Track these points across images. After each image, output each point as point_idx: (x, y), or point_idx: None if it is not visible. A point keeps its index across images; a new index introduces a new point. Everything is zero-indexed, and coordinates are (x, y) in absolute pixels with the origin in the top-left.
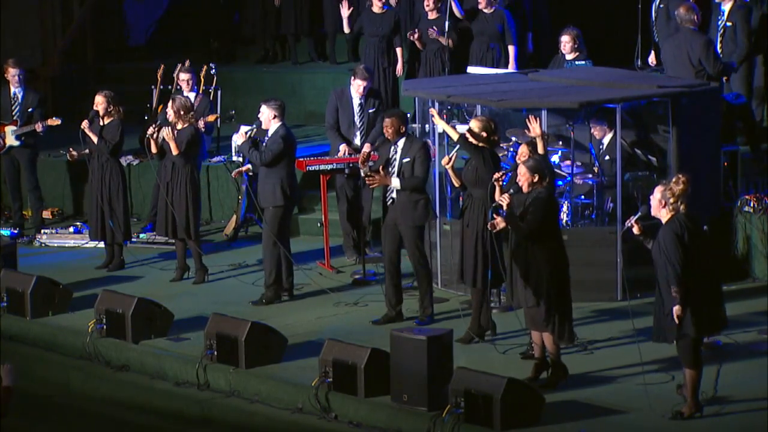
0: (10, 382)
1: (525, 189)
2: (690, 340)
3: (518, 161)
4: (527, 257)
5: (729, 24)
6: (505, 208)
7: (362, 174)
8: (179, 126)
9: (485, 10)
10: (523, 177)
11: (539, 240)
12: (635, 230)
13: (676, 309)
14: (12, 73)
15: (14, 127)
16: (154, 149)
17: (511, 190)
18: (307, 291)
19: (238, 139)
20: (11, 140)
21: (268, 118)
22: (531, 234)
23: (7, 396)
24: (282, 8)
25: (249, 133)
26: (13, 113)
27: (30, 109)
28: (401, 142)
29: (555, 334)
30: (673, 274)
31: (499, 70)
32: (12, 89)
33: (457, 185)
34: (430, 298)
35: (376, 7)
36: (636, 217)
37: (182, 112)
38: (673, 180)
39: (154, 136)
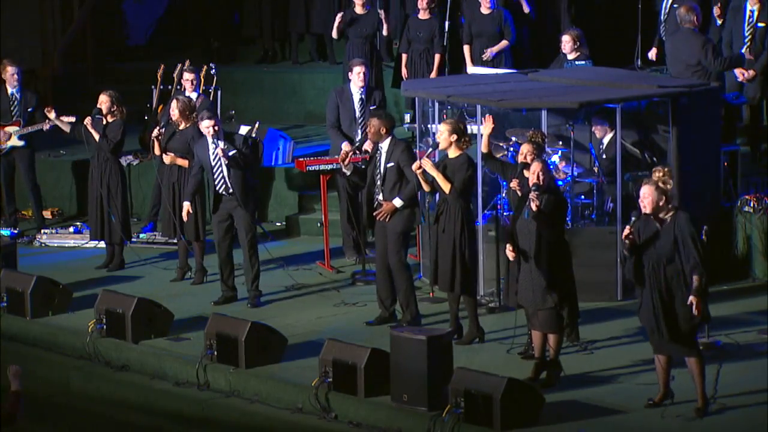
0: (18, 386)
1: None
2: (695, 327)
3: (522, 160)
4: (549, 258)
5: (761, 25)
6: (534, 209)
7: (345, 171)
8: (182, 126)
9: (484, 11)
10: (539, 171)
11: (562, 241)
12: (630, 238)
13: (698, 299)
14: (10, 72)
15: (16, 128)
16: (157, 151)
17: (534, 189)
18: (307, 291)
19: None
20: (15, 141)
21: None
22: (560, 235)
23: (17, 401)
24: (283, 8)
25: (232, 153)
26: (13, 114)
27: (29, 109)
28: (386, 145)
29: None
30: (701, 262)
31: (499, 70)
32: (9, 89)
33: (426, 190)
34: (411, 300)
35: (359, 8)
36: (632, 222)
37: (187, 113)
38: (659, 174)
39: (160, 137)
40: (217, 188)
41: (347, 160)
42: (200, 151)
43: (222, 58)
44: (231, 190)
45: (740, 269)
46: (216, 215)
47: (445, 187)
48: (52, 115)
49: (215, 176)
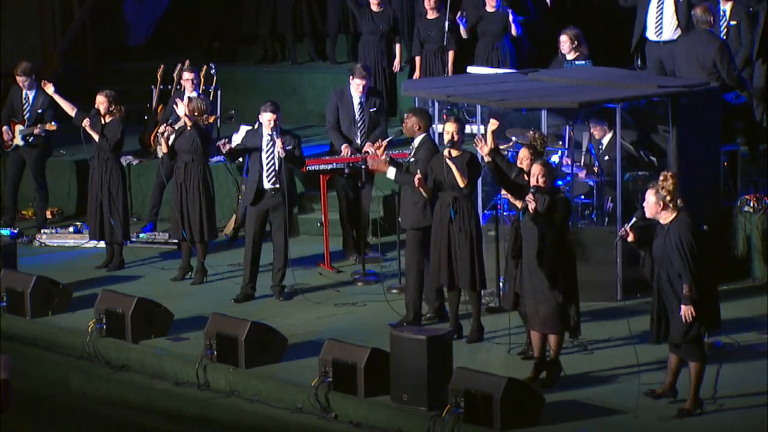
0: (7, 376)
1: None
2: (698, 334)
3: (520, 165)
4: (554, 258)
5: (733, 23)
6: (531, 209)
7: (383, 159)
8: (190, 125)
9: (489, 10)
10: (539, 174)
11: (565, 242)
12: (630, 238)
13: (688, 308)
14: (21, 80)
15: (22, 127)
16: (164, 148)
17: (532, 191)
18: (308, 291)
19: (280, 151)
20: (17, 140)
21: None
22: (563, 235)
23: (6, 390)
24: (281, 7)
25: (289, 146)
26: (24, 113)
27: (40, 110)
28: (417, 141)
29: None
30: (688, 271)
31: (499, 70)
32: (24, 90)
33: (426, 196)
34: (414, 304)
35: (374, 5)
36: (630, 224)
37: (197, 113)
38: (661, 179)
39: (165, 135)
40: (267, 181)
41: (382, 147)
42: (252, 142)
43: (222, 58)
44: (278, 185)
45: (740, 269)
46: (255, 211)
47: (462, 181)
48: (50, 89)
49: (266, 170)
